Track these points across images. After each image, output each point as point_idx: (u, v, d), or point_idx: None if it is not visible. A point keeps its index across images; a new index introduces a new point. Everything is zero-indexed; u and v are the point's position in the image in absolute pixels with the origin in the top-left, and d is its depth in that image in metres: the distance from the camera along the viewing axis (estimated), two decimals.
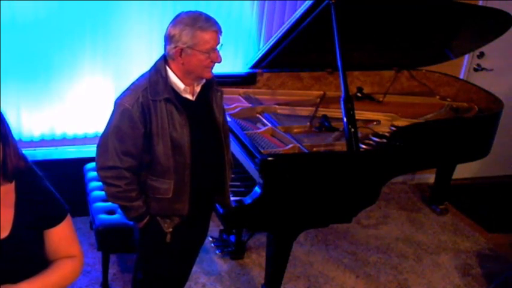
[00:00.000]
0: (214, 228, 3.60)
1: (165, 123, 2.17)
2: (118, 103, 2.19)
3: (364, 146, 2.99)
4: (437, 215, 4.30)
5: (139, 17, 3.56)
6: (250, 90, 3.70)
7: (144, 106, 2.15)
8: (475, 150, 3.65)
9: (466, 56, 4.45)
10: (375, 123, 3.42)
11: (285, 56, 3.57)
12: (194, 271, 3.06)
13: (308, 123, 3.29)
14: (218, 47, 2.19)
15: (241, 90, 3.67)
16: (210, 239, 3.50)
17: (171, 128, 2.19)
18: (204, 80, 2.28)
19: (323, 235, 3.87)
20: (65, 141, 3.77)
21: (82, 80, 3.61)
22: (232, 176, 2.56)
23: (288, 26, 3.32)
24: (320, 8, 3.06)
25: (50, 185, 1.66)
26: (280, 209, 2.70)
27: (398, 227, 4.10)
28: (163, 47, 2.22)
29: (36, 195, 1.61)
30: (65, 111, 3.66)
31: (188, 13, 2.18)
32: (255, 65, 3.70)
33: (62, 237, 1.67)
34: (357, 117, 2.84)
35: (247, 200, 2.65)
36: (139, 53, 3.59)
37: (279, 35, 3.40)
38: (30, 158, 1.64)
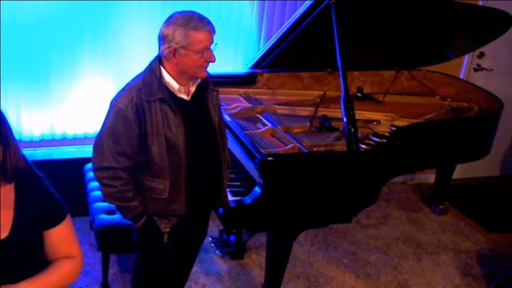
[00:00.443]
0: (214, 228, 3.61)
1: (159, 124, 2.17)
2: (113, 104, 2.20)
3: (364, 146, 2.99)
4: (437, 215, 4.30)
5: (139, 17, 3.56)
6: (250, 90, 3.70)
7: (139, 106, 2.15)
8: (475, 150, 3.65)
9: (466, 56, 4.45)
10: (375, 123, 3.42)
11: (285, 56, 3.57)
12: (194, 271, 3.06)
13: (308, 123, 3.29)
14: (212, 46, 2.18)
15: (241, 90, 3.67)
16: (210, 239, 3.50)
17: (166, 128, 2.18)
18: (199, 80, 2.28)
19: (323, 235, 3.86)
20: (65, 141, 3.77)
21: (82, 80, 3.61)
22: (232, 176, 2.55)
23: (288, 26, 3.32)
24: (320, 8, 3.07)
25: (49, 186, 1.66)
26: (280, 209, 2.70)
27: (398, 227, 4.10)
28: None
29: (36, 195, 1.61)
30: (65, 111, 3.66)
31: (181, 13, 2.18)
32: (255, 65, 3.70)
33: (61, 237, 1.67)
34: (357, 117, 2.84)
35: (247, 200, 2.65)
36: (139, 53, 3.58)
37: (279, 35, 3.40)
38: (30, 158, 1.64)
